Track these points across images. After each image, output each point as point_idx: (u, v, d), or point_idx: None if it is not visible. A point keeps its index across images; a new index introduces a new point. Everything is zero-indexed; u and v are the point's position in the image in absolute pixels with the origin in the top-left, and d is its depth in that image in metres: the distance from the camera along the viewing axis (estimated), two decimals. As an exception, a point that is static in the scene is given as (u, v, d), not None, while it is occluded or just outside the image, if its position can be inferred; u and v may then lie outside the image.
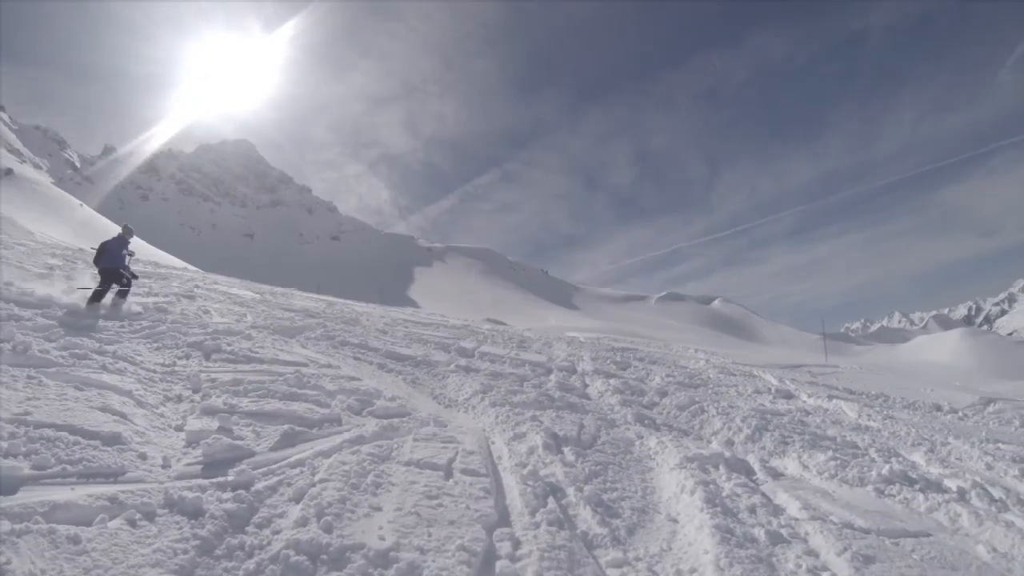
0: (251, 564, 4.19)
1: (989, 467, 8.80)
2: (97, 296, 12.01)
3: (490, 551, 5.02)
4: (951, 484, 7.83)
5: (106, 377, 7.22)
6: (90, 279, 13.95)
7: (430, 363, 12.63)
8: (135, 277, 13.22)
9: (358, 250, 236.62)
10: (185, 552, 4.11)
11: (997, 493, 7.52)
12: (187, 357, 9.31)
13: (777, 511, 6.66)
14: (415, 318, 22.41)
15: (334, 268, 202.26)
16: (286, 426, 6.87)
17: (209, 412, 7.00)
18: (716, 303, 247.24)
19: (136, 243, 53.72)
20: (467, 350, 14.77)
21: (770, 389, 14.69)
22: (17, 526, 3.89)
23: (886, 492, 7.57)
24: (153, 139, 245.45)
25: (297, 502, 5.19)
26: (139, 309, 12.18)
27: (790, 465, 8.61)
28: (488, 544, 5.08)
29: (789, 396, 14.26)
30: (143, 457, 5.49)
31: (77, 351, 7.93)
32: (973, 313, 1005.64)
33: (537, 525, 5.55)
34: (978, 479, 7.96)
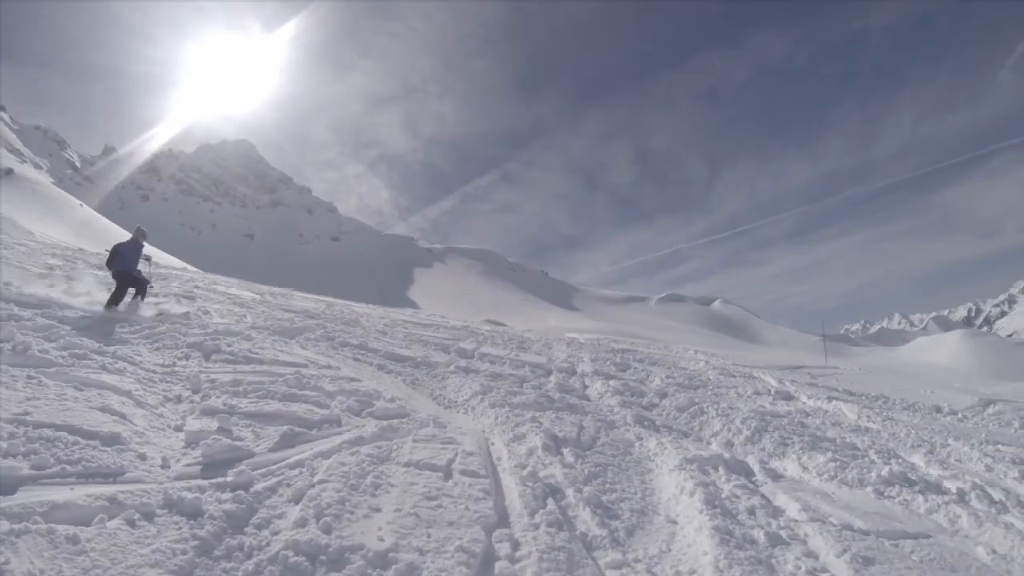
0: (250, 565, 4.19)
1: (989, 469, 8.80)
2: (114, 300, 12.01)
3: (489, 552, 5.02)
4: (951, 486, 7.83)
5: (106, 377, 7.23)
6: (94, 281, 13.90)
7: (430, 364, 12.63)
8: (148, 282, 13.18)
9: (358, 251, 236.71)
10: (184, 552, 4.11)
11: (997, 495, 7.53)
12: (187, 358, 9.30)
13: (776, 512, 6.66)
14: (415, 319, 22.41)
15: (334, 269, 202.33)
16: (285, 427, 6.86)
17: (208, 413, 7.00)
18: (716, 304, 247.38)
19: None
20: (467, 351, 14.78)
21: (770, 390, 14.69)
22: (16, 526, 3.89)
23: (886, 494, 7.57)
24: (153, 139, 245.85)
25: (296, 503, 5.19)
26: (152, 313, 12.20)
27: (790, 466, 8.61)
28: (487, 545, 5.08)
29: (789, 397, 14.26)
30: (142, 457, 5.49)
31: (77, 351, 7.93)
32: (973, 314, 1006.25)
33: (536, 526, 5.55)
34: (978, 481, 7.97)
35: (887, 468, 8.24)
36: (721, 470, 7.81)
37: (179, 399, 7.49)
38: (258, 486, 5.33)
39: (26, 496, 4.30)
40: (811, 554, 5.66)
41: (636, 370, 15.56)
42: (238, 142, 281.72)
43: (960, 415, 14.25)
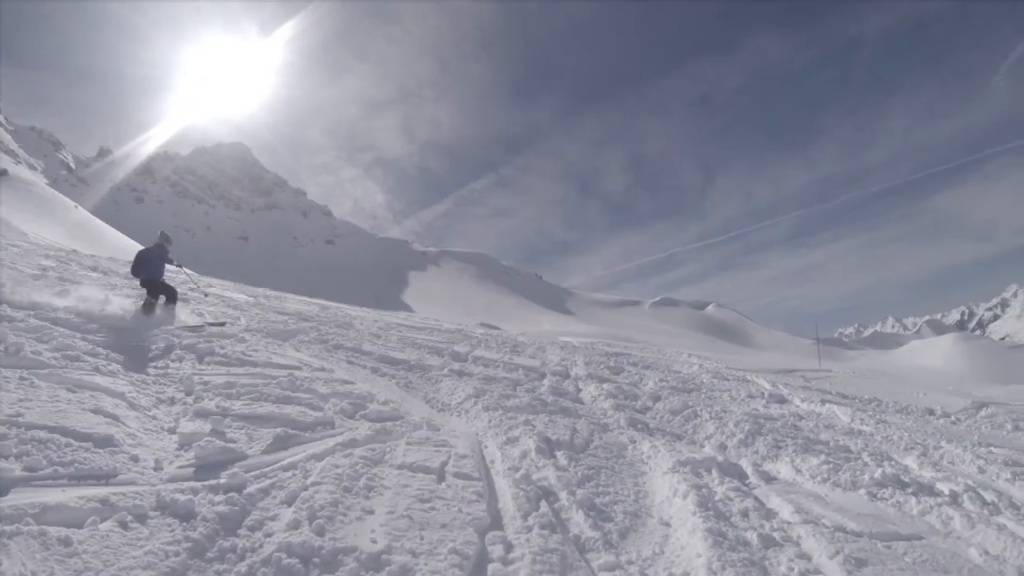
0: (243, 567, 4.19)
1: (981, 471, 8.84)
2: (148, 308, 11.98)
3: (482, 554, 5.02)
4: (943, 488, 7.86)
5: (99, 379, 7.21)
6: (94, 286, 13.81)
7: (423, 367, 12.63)
8: (173, 290, 13.13)
9: (352, 254, 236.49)
10: (177, 555, 4.11)
11: (989, 496, 7.56)
12: (180, 360, 9.28)
13: (770, 515, 6.67)
14: (409, 322, 22.42)
15: (328, 272, 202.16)
16: (279, 429, 6.86)
17: (202, 415, 6.98)
18: (710, 308, 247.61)
19: (130, 245, 53.50)
20: (460, 354, 14.78)
21: (763, 394, 14.72)
22: (8, 528, 3.87)
23: (879, 495, 7.59)
24: (149, 141, 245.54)
25: (289, 505, 5.19)
26: (198, 322, 12.14)
27: (783, 469, 8.63)
28: (480, 547, 5.09)
29: (782, 401, 14.28)
30: (135, 459, 5.47)
31: (70, 352, 7.91)
32: (966, 318, 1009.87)
33: (529, 529, 5.56)
34: (970, 483, 8.00)
35: (880, 470, 8.27)
36: (714, 473, 7.82)
37: (172, 401, 7.47)
38: (251, 488, 5.33)
39: (18, 498, 4.29)
40: (804, 556, 5.68)
41: (630, 373, 15.57)
42: (233, 145, 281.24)
43: (953, 418, 14.32)
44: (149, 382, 7.92)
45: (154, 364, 8.76)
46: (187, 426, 6.58)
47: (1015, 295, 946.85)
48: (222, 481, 5.32)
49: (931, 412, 14.73)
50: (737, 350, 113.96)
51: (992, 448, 10.51)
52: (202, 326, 11.91)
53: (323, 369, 10.52)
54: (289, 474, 5.84)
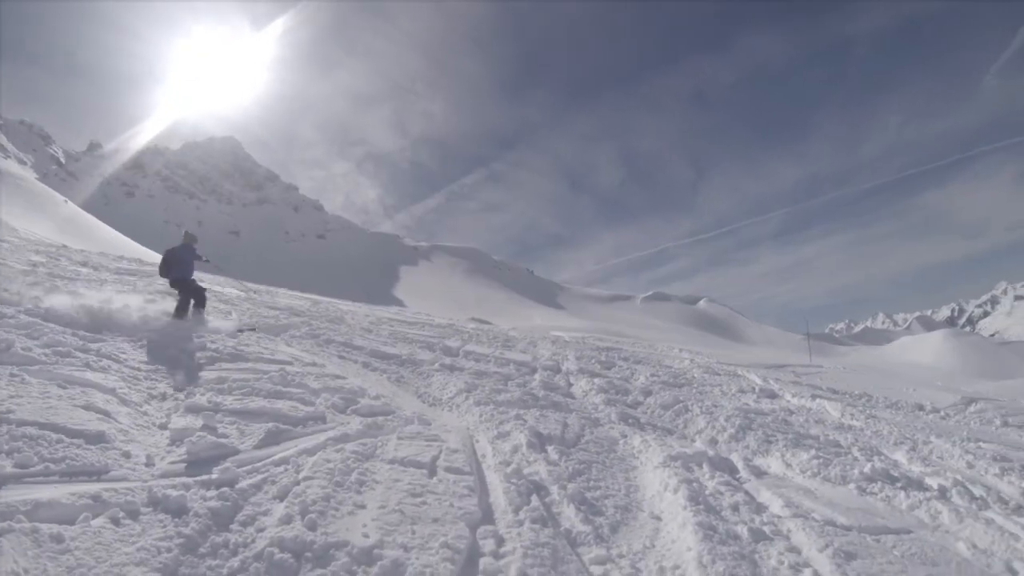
0: (235, 562, 4.20)
1: (970, 465, 8.89)
2: (182, 310, 11.90)
3: (474, 548, 5.05)
4: (932, 482, 7.91)
5: (90, 375, 7.19)
6: (85, 284, 13.70)
7: (415, 362, 12.64)
8: (203, 293, 12.97)
9: (344, 249, 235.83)
10: (169, 550, 4.10)
11: (977, 491, 7.61)
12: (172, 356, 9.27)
13: (760, 509, 6.71)
14: (400, 317, 22.42)
15: (320, 266, 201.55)
16: (270, 424, 6.87)
17: (193, 410, 6.97)
18: (701, 303, 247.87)
19: (121, 240, 53.31)
20: (452, 349, 14.80)
21: (754, 388, 14.78)
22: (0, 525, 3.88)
23: (868, 490, 7.63)
24: (139, 135, 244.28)
25: (281, 500, 5.20)
26: (232, 326, 12.07)
27: (773, 463, 8.66)
28: (472, 542, 5.11)
29: (773, 396, 14.34)
30: (127, 455, 5.47)
31: (60, 348, 7.87)
32: (956, 314, 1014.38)
33: (521, 523, 5.59)
34: (959, 477, 8.05)
35: (870, 465, 8.31)
36: (705, 467, 7.84)
37: (164, 397, 7.46)
38: (243, 483, 5.33)
39: (9, 495, 4.28)
40: (794, 549, 5.71)
41: (621, 368, 15.61)
42: (224, 139, 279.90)
43: (942, 413, 14.37)
44: (140, 377, 7.91)
45: (145, 359, 8.74)
46: (178, 421, 6.57)
47: (1005, 292, 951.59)
48: (214, 476, 5.32)
49: (921, 407, 14.78)
50: (728, 345, 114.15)
51: (981, 443, 10.57)
52: (240, 331, 11.90)
53: (314, 364, 10.53)
54: (281, 469, 5.85)
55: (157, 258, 44.74)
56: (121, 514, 4.37)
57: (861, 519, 6.51)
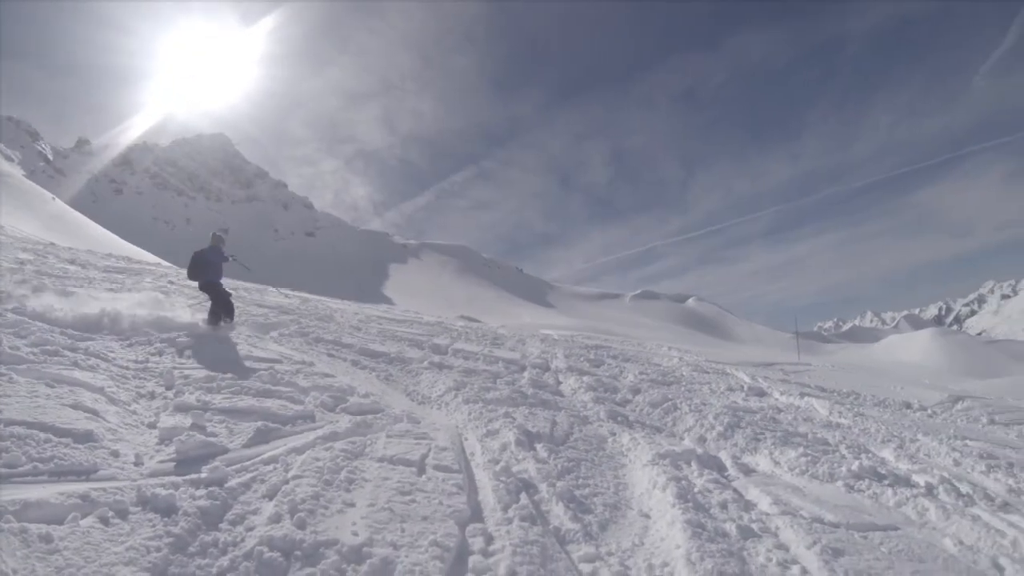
0: (225, 561, 4.20)
1: (956, 463, 8.94)
2: (215, 316, 11.83)
3: (463, 546, 5.06)
4: (919, 479, 7.96)
5: (78, 374, 7.16)
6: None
7: (404, 360, 12.63)
8: (230, 302, 12.82)
9: (333, 246, 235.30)
10: (158, 550, 4.10)
11: (964, 488, 7.66)
12: (160, 353, 9.25)
13: (748, 506, 6.73)
14: (389, 315, 22.37)
15: (309, 264, 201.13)
16: (259, 423, 6.86)
17: (182, 409, 6.96)
18: (690, 301, 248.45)
19: (109, 238, 53.03)
20: (441, 347, 14.78)
21: (743, 387, 14.80)
22: (-12, 525, 3.87)
23: (856, 487, 7.66)
24: (128, 132, 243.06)
25: (270, 499, 5.20)
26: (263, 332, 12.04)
27: (762, 461, 8.70)
28: (461, 539, 5.13)
29: (761, 394, 14.38)
30: (115, 455, 5.46)
31: (48, 347, 7.83)
32: (943, 313, 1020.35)
33: (509, 521, 5.60)
34: (946, 474, 8.09)
35: (857, 462, 8.35)
36: (694, 465, 7.86)
37: (152, 395, 7.45)
38: (232, 482, 5.33)
39: (-2, 494, 4.28)
40: (782, 546, 5.74)
41: (610, 366, 15.62)
42: (214, 136, 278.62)
43: (929, 411, 14.44)
44: (129, 376, 7.90)
45: (134, 358, 8.72)
46: (167, 420, 6.55)
47: (992, 291, 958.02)
48: (203, 475, 5.31)
49: (908, 405, 14.85)
50: (717, 343, 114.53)
51: (967, 441, 10.63)
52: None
53: (304, 362, 10.51)
54: (270, 468, 5.85)
55: (145, 256, 44.45)
56: (110, 514, 4.36)
57: (849, 516, 6.54)
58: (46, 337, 8.22)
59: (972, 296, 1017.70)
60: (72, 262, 19.58)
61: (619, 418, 10.20)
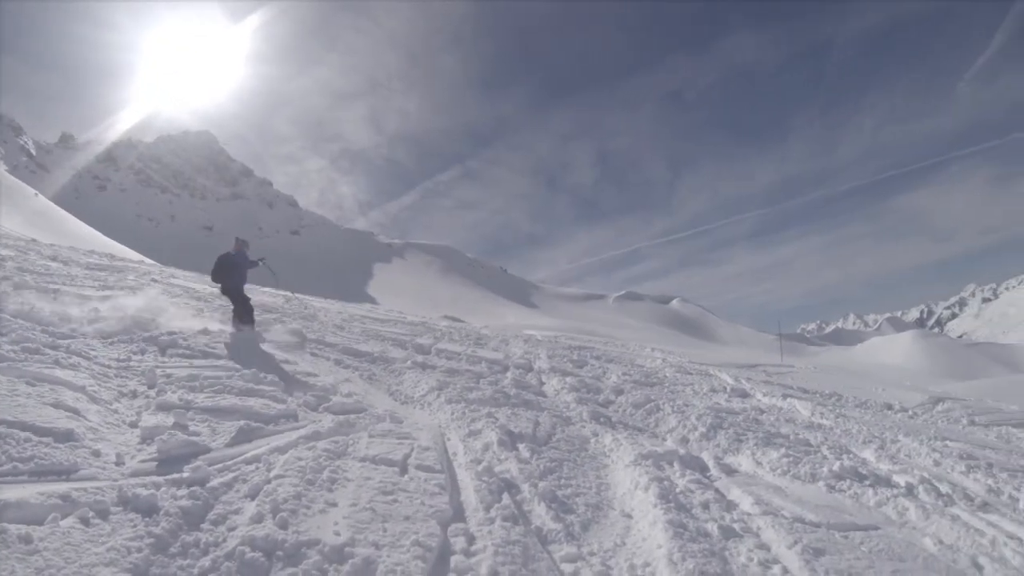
0: (206, 561, 4.19)
1: (937, 463, 9.01)
2: (243, 320, 11.79)
3: (445, 546, 5.07)
4: (900, 480, 8.02)
5: (59, 372, 7.10)
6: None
7: (387, 359, 12.62)
8: (250, 308, 12.77)
9: (318, 245, 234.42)
10: (139, 550, 4.08)
11: (944, 488, 7.73)
12: (142, 352, 9.20)
13: (730, 506, 6.78)
14: (373, 314, 22.37)
15: (294, 263, 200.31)
16: (242, 422, 6.84)
17: (164, 408, 6.93)
18: (674, 303, 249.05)
19: (92, 235, 52.65)
20: (424, 347, 14.79)
21: (726, 388, 14.88)
22: (-33, 525, 3.85)
23: (837, 487, 7.71)
24: (113, 128, 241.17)
25: (253, 498, 5.19)
26: (293, 340, 12.08)
27: (744, 462, 8.74)
28: (443, 539, 5.14)
29: (744, 395, 14.45)
30: (96, 454, 5.43)
31: (29, 345, 7.77)
32: (925, 316, 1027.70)
33: (492, 521, 5.62)
34: (926, 475, 8.16)
35: (839, 463, 8.41)
36: (676, 465, 7.90)
37: (134, 394, 7.41)
38: (214, 482, 5.32)
39: (-23, 494, 4.25)
40: (763, 546, 5.78)
41: (593, 367, 15.66)
42: (199, 133, 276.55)
43: (910, 412, 14.55)
44: (111, 375, 7.85)
45: (116, 357, 8.68)
46: (149, 420, 6.52)
47: (973, 294, 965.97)
48: (185, 475, 5.30)
49: (889, 407, 14.95)
50: (701, 345, 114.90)
51: (947, 442, 10.72)
52: (301, 342, 11.93)
53: (287, 361, 10.49)
54: (252, 467, 5.84)
55: (128, 253, 44.18)
56: (91, 514, 4.34)
57: (830, 516, 6.59)
58: (27, 335, 8.15)
59: (953, 299, 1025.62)
60: (54, 259, 19.44)
61: (602, 419, 10.22)
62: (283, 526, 4.76)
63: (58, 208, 66.42)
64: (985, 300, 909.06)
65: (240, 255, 12.64)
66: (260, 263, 13.32)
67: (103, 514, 4.41)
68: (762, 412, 12.24)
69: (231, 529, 4.66)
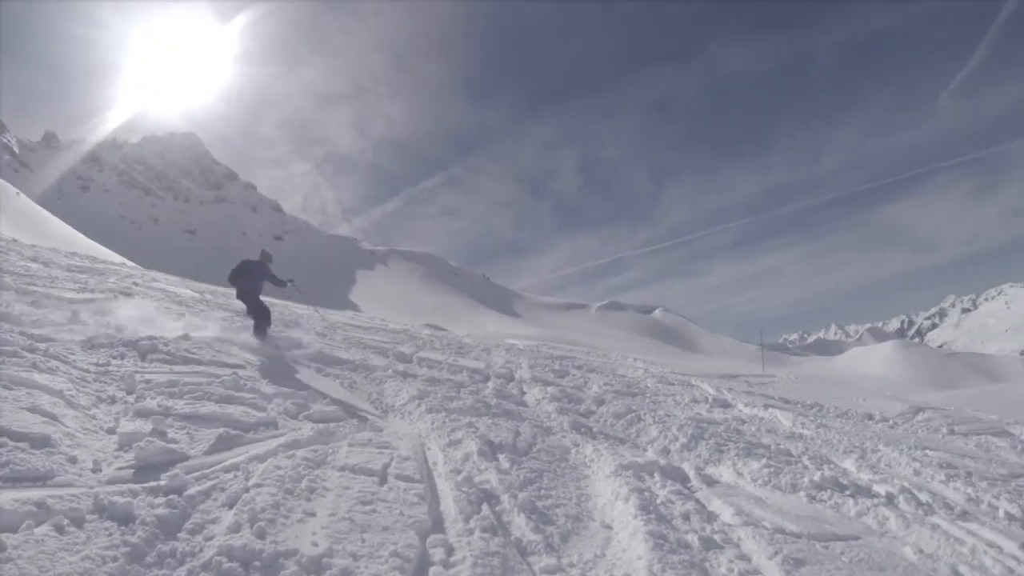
0: (182, 572, 4.15)
1: (917, 473, 9.07)
2: (260, 330, 11.80)
3: (423, 557, 5.05)
4: (880, 489, 8.06)
5: (37, 376, 7.02)
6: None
7: (368, 367, 12.57)
8: (267, 311, 12.98)
9: (301, 251, 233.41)
10: (115, 559, 4.04)
11: (924, 497, 7.77)
12: (122, 357, 9.13)
13: (711, 517, 6.78)
14: (355, 321, 22.30)
15: (277, 268, 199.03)
16: (221, 429, 6.80)
17: (143, 414, 6.88)
18: (657, 312, 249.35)
19: (74, 237, 52.25)
20: (406, 355, 14.73)
21: (707, 398, 14.89)
22: (-61, 532, 3.81)
23: (817, 498, 7.75)
24: (97, 128, 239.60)
25: (230, 507, 5.15)
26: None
27: (725, 472, 8.76)
28: (421, 550, 5.12)
29: (726, 405, 14.47)
30: (73, 460, 5.38)
31: (6, 348, 7.68)
32: (906, 326, 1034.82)
33: (471, 531, 5.60)
34: (906, 484, 8.21)
35: (819, 473, 8.45)
36: (657, 476, 7.91)
37: (113, 400, 7.35)
38: (192, 490, 5.27)
39: (-50, 500, 4.21)
40: (744, 557, 5.79)
41: (574, 377, 15.65)
42: (185, 135, 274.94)
43: (891, 422, 14.62)
44: (89, 380, 7.79)
45: (95, 361, 8.62)
46: (127, 426, 6.47)
47: (953, 305, 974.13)
48: (162, 483, 5.25)
49: (870, 417, 15.02)
50: (683, 355, 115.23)
51: (928, 451, 10.77)
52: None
53: (269, 368, 10.45)
54: (231, 476, 5.80)
55: (110, 255, 43.83)
56: (65, 522, 4.29)
57: (810, 526, 6.61)
58: (4, 337, 8.06)
59: (934, 310, 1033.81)
60: (35, 260, 19.31)
61: (583, 429, 10.22)
62: (261, 536, 4.72)
63: (40, 208, 65.90)
64: (965, 311, 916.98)
65: (260, 266, 13.09)
66: (289, 284, 13.60)
67: (78, 522, 4.36)
68: (743, 422, 12.27)
69: (208, 539, 4.62)
